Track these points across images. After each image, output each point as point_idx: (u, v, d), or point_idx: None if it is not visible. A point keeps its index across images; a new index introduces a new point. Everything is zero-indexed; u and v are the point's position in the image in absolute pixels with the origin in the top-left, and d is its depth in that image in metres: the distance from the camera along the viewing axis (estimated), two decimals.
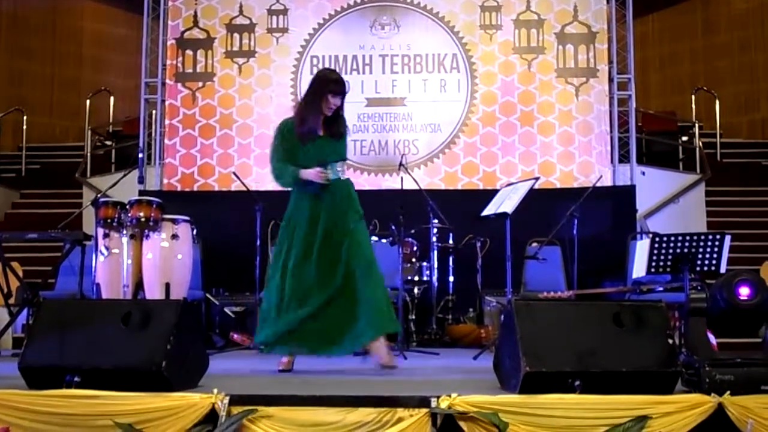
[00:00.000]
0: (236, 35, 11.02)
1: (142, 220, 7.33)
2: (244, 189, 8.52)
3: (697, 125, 13.22)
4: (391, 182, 10.12)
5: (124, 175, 8.03)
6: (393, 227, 7.98)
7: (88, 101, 14.42)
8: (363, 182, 10.37)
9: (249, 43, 11.01)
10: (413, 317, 8.80)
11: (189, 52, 11.01)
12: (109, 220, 7.34)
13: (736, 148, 14.33)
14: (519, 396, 4.22)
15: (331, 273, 5.75)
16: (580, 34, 10.88)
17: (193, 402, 4.16)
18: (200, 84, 10.94)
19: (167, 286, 7.33)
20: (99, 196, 7.82)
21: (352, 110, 10.62)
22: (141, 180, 7.76)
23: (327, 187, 5.85)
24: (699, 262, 6.03)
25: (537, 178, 7.98)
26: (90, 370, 4.39)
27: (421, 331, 8.92)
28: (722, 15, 16.08)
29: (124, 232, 7.31)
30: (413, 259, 8.89)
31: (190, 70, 11.00)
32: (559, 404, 4.12)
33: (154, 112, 11.28)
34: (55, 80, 16.18)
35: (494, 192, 8.15)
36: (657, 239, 5.96)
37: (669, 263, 6.02)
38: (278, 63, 10.96)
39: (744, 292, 4.48)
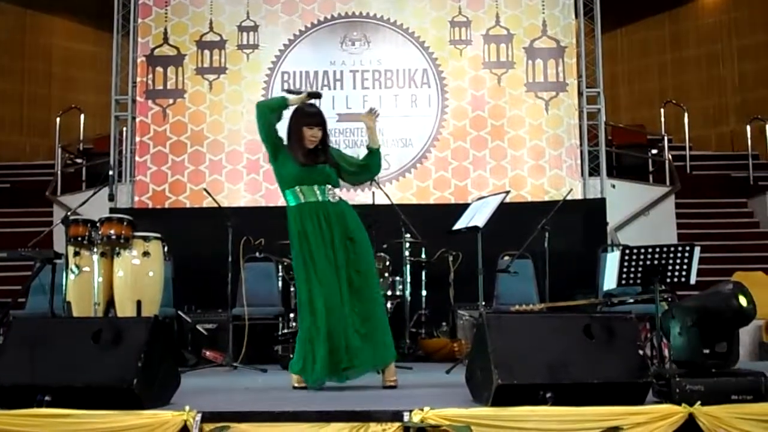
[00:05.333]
0: (207, 52, 11.01)
1: (113, 237, 7.28)
2: (215, 205, 8.49)
3: (666, 138, 13.32)
4: (363, 197, 10.09)
5: (95, 193, 7.98)
6: None
7: (58, 119, 14.34)
8: None
9: (219, 60, 11.00)
10: None
11: (159, 69, 10.99)
12: (79, 238, 7.28)
13: (705, 161, 14.44)
14: (491, 408, 4.24)
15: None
16: (549, 48, 10.95)
17: (165, 419, 4.14)
18: (171, 101, 10.92)
19: (139, 303, 7.28)
20: (69, 214, 7.76)
21: None
22: (111, 197, 7.71)
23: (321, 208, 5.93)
24: (669, 274, 6.05)
25: (508, 192, 8.01)
26: (61, 389, 4.37)
27: (394, 345, 8.89)
28: (690, 30, 16.25)
29: (95, 249, 7.25)
30: (386, 274, 8.89)
31: (161, 87, 10.97)
32: (531, 416, 4.14)
33: (124, 129, 11.24)
34: (25, 98, 16.11)
35: (466, 206, 8.17)
36: (627, 251, 5.99)
37: (639, 275, 6.03)
38: (249, 79, 10.96)
39: (743, 301, 4.56)
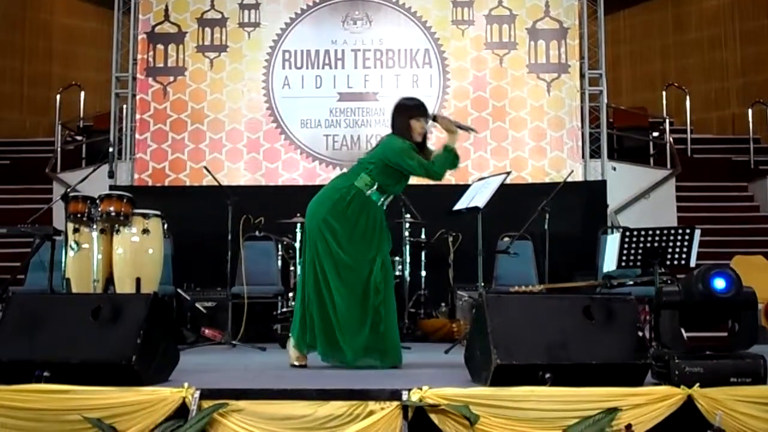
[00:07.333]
0: (208, 29, 10.97)
1: (113, 214, 7.25)
2: (215, 184, 8.47)
3: (667, 121, 13.28)
4: None
5: (94, 170, 7.98)
6: None
7: (58, 96, 14.29)
8: None
9: (220, 38, 10.96)
10: None
11: (160, 47, 10.95)
12: (79, 215, 7.26)
13: (706, 144, 14.43)
14: (490, 389, 4.23)
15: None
16: (552, 29, 10.92)
17: (164, 396, 4.14)
18: (171, 78, 10.89)
19: (138, 281, 7.26)
20: (69, 190, 7.73)
21: (325, 105, 10.66)
22: (111, 175, 7.69)
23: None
24: (669, 256, 6.06)
25: (508, 173, 7.99)
26: (59, 365, 4.36)
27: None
28: (693, 12, 16.20)
29: (95, 226, 7.23)
30: None
31: (161, 65, 10.94)
32: (529, 397, 4.13)
33: (124, 106, 11.22)
34: (26, 75, 16.06)
35: (466, 187, 8.14)
36: (627, 233, 5.99)
37: (639, 257, 6.05)
38: (250, 57, 10.93)
39: (720, 284, 4.48)
